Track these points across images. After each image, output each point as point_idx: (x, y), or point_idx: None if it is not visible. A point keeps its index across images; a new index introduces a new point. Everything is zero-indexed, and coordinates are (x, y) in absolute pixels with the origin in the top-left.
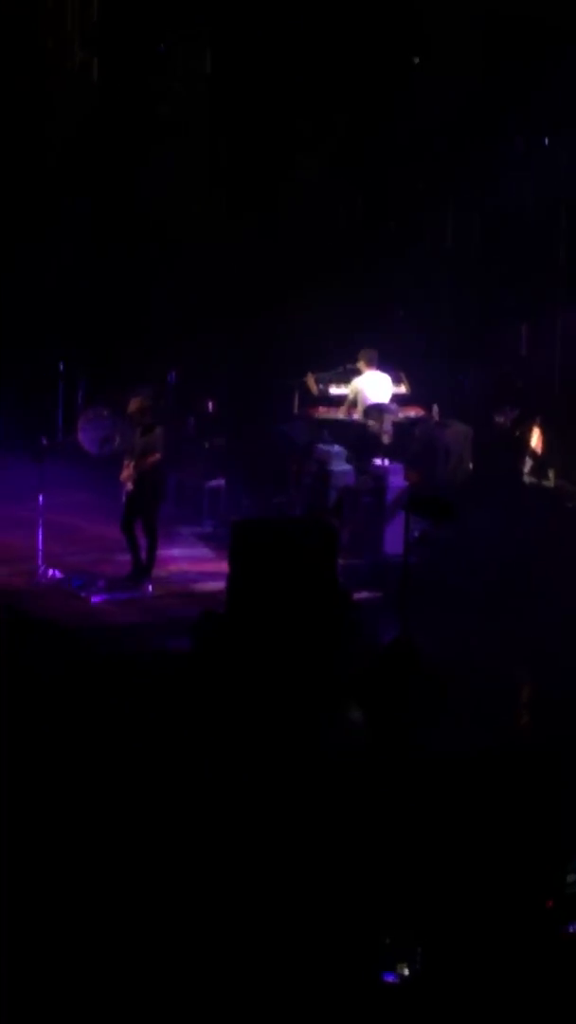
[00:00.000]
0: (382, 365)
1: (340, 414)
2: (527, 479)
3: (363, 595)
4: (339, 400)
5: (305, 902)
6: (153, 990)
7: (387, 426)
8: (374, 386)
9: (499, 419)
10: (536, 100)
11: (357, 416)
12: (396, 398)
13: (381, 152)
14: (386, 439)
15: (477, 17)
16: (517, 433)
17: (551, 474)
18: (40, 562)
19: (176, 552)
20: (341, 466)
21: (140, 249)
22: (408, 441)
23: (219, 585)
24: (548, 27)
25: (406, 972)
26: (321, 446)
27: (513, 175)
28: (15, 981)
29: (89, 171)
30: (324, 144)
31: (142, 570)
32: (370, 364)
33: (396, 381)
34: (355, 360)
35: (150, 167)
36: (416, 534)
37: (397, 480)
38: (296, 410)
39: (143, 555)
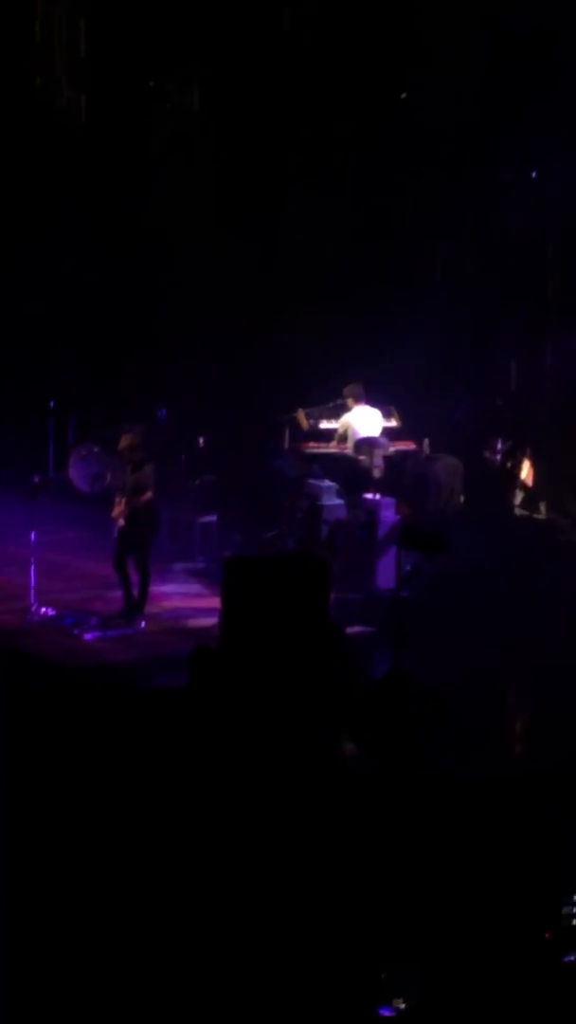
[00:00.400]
0: (372, 399)
1: (331, 448)
2: (518, 512)
3: (356, 629)
4: (329, 435)
5: (301, 935)
6: (152, 1018)
7: (378, 460)
8: (364, 420)
9: (488, 455)
10: (524, 132)
11: (348, 450)
12: (387, 432)
13: (371, 188)
14: (377, 473)
15: (466, 50)
16: (508, 466)
17: (542, 507)
18: (32, 600)
19: (169, 588)
20: (332, 500)
21: (130, 286)
22: (399, 475)
23: (212, 621)
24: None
25: (402, 1006)
26: (312, 481)
27: (502, 208)
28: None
29: (79, 208)
30: (314, 178)
31: (135, 607)
32: (357, 399)
33: (386, 415)
34: (344, 395)
35: (140, 203)
36: (408, 568)
37: (389, 514)
38: (287, 445)
39: (135, 592)
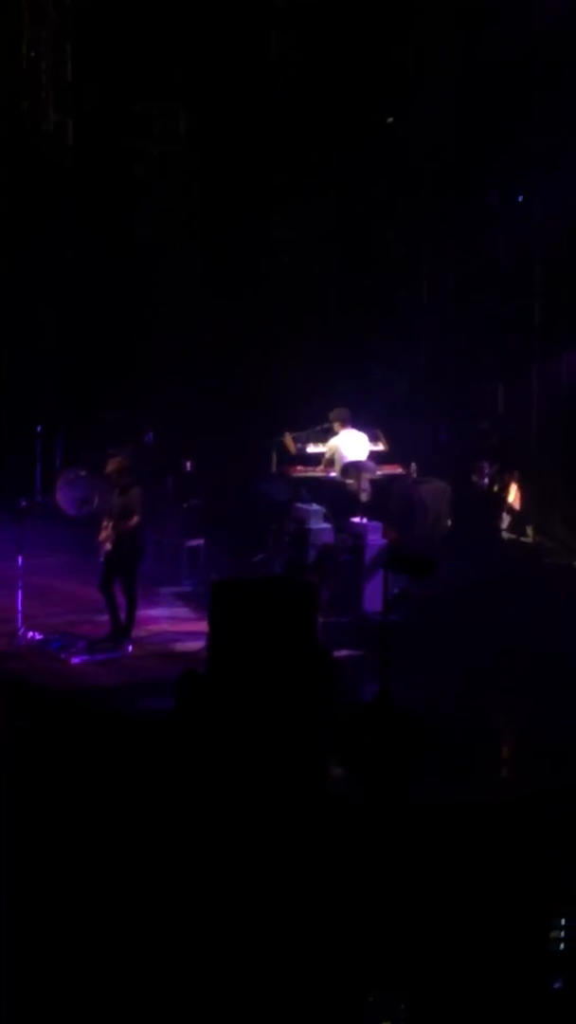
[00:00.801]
0: (359, 423)
1: (318, 472)
2: (505, 535)
3: (344, 653)
4: (317, 459)
5: (290, 960)
6: None
7: (365, 484)
8: (351, 444)
9: (476, 478)
10: (510, 156)
11: (335, 474)
12: (373, 456)
13: (356, 212)
14: (364, 497)
15: (451, 75)
16: (495, 489)
17: (529, 530)
18: (19, 624)
19: (156, 612)
20: (320, 524)
21: (117, 310)
22: (386, 499)
23: (199, 644)
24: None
25: None
26: (299, 505)
27: (488, 232)
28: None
29: (65, 233)
30: (299, 202)
31: (122, 630)
32: (344, 423)
33: (373, 439)
34: (330, 420)
35: (126, 227)
36: (396, 591)
37: (376, 538)
38: (274, 469)
39: (123, 615)
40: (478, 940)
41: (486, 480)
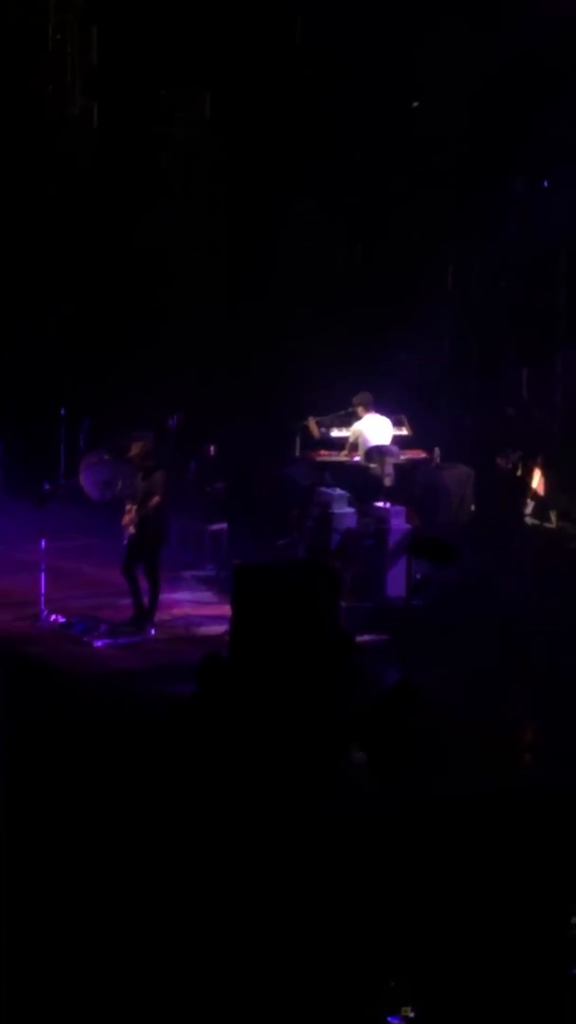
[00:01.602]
0: (383, 408)
1: (342, 457)
2: (529, 521)
3: (366, 638)
4: (340, 443)
5: (309, 945)
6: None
7: (388, 469)
8: (375, 429)
9: (501, 461)
10: (535, 142)
11: (358, 459)
12: (397, 441)
13: (382, 195)
14: (388, 481)
15: (477, 59)
16: (519, 474)
17: (552, 516)
18: (42, 607)
19: (179, 596)
20: (343, 509)
21: (141, 294)
22: (410, 484)
23: (222, 628)
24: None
25: (411, 1015)
26: (323, 489)
27: (513, 218)
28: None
29: (90, 215)
30: (325, 188)
31: (144, 614)
32: (367, 407)
33: (397, 424)
34: (353, 404)
35: (151, 211)
36: (418, 576)
37: (399, 523)
38: (297, 453)
39: (145, 599)
40: (496, 927)
41: (510, 466)
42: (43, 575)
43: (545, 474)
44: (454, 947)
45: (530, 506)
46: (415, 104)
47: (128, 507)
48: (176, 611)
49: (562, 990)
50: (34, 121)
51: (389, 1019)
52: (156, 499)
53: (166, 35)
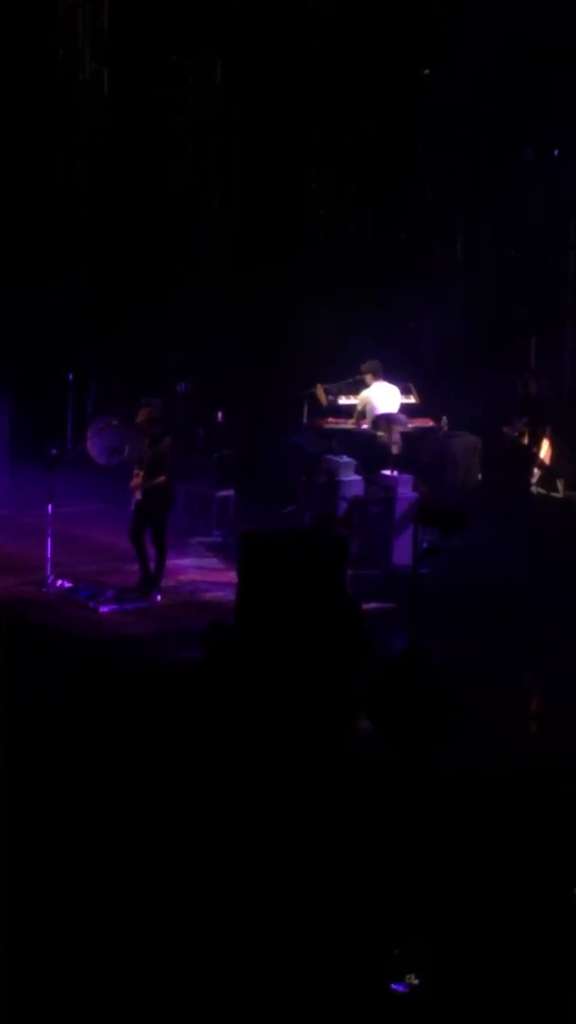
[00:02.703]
0: (392, 376)
1: (349, 425)
2: (536, 490)
3: (373, 606)
4: (348, 411)
5: (315, 913)
6: (161, 999)
7: (396, 437)
8: (383, 397)
9: (507, 430)
10: (547, 112)
11: (366, 427)
12: (405, 409)
13: (392, 165)
14: (395, 450)
15: (488, 28)
16: (525, 443)
17: (560, 485)
18: (49, 572)
19: (185, 562)
20: (350, 476)
21: (150, 261)
22: (417, 452)
23: (228, 595)
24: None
25: (415, 982)
26: (330, 457)
27: (523, 187)
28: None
29: (101, 181)
30: (336, 156)
31: (151, 580)
32: (376, 375)
33: (405, 392)
34: (361, 372)
35: (160, 177)
36: (425, 545)
37: (406, 491)
38: (305, 421)
39: (152, 565)
40: (503, 897)
41: (517, 434)
42: (50, 540)
43: (553, 444)
44: (459, 916)
45: (537, 475)
46: (426, 72)
47: (136, 472)
48: (183, 577)
49: (565, 959)
50: (44, 85)
51: (393, 986)
52: (165, 471)
53: (177, 0)
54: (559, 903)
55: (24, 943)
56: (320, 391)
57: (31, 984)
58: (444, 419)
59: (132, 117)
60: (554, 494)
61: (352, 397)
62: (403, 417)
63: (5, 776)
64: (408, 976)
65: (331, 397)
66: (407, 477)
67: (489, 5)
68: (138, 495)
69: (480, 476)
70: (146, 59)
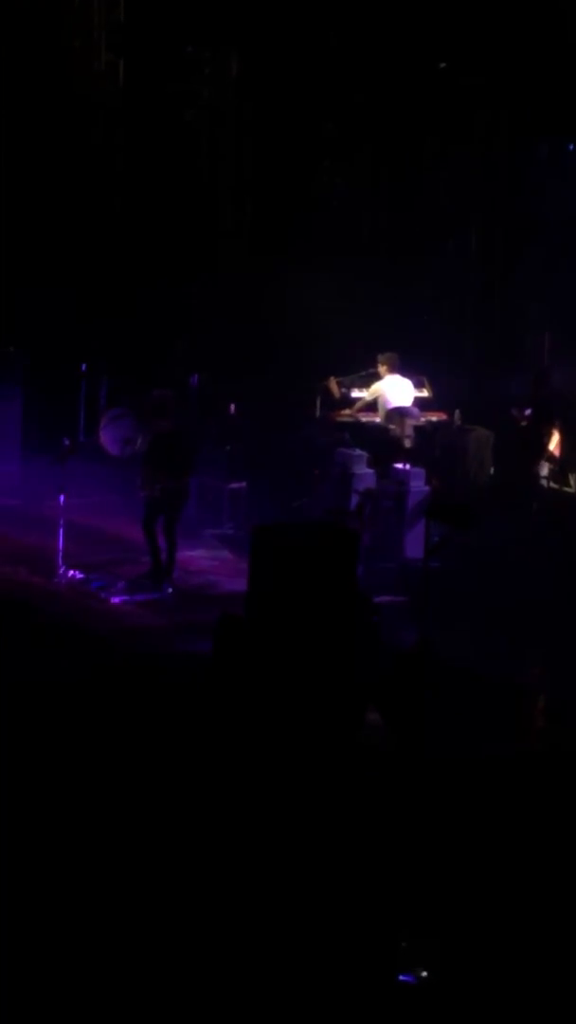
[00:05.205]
0: (405, 370)
1: (353, 411)
2: (548, 484)
3: (384, 599)
4: (364, 406)
5: (322, 905)
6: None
7: (408, 430)
8: (396, 390)
9: (515, 412)
10: (560, 106)
11: (378, 419)
12: (418, 402)
13: (406, 157)
14: (407, 443)
15: (504, 22)
16: (533, 435)
17: (572, 480)
18: (60, 563)
19: (197, 554)
20: (362, 470)
21: (164, 252)
22: (430, 446)
23: (239, 587)
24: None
25: (423, 975)
26: (342, 450)
27: (537, 181)
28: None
29: (115, 173)
30: (350, 150)
31: (163, 572)
32: (392, 368)
33: (418, 385)
34: (376, 364)
35: (175, 169)
36: (437, 539)
37: (419, 484)
38: (318, 414)
39: (163, 556)
40: (510, 886)
41: (523, 419)
42: (61, 531)
43: (564, 437)
44: (469, 906)
45: (546, 468)
46: (442, 65)
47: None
48: (194, 569)
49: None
50: (59, 77)
51: (402, 978)
52: (187, 472)
53: None
54: (568, 895)
55: (25, 943)
56: (333, 384)
57: (31, 984)
58: (457, 413)
59: (147, 109)
60: (567, 488)
61: (365, 390)
62: (416, 411)
63: (11, 769)
64: (416, 969)
65: (344, 390)
66: (419, 471)
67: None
68: (155, 492)
69: (492, 470)
70: (161, 51)
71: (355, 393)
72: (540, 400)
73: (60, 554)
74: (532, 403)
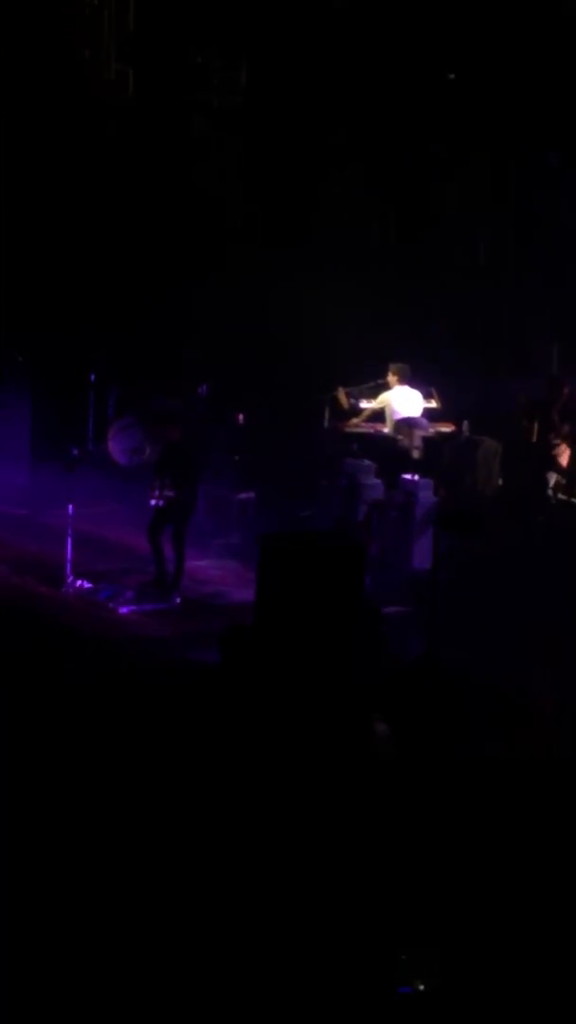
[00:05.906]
0: (414, 380)
1: (359, 420)
2: (557, 496)
3: (391, 610)
4: (370, 415)
5: (323, 915)
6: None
7: (417, 441)
8: (404, 401)
9: (525, 423)
10: (569, 116)
11: (385, 430)
12: (427, 413)
13: (415, 167)
14: (416, 454)
15: (513, 31)
16: (541, 446)
17: None
18: (68, 572)
19: (205, 563)
20: (370, 480)
21: (172, 260)
22: (438, 456)
23: (247, 597)
24: None
25: (422, 987)
26: (351, 460)
27: (546, 192)
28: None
29: (124, 180)
30: (358, 158)
31: (171, 582)
32: (401, 379)
33: (427, 396)
34: (385, 374)
35: (184, 178)
36: (444, 549)
37: (427, 495)
38: (326, 424)
39: (170, 567)
40: (517, 895)
41: (529, 425)
42: (70, 540)
43: (573, 448)
44: (471, 917)
45: (554, 479)
46: (451, 76)
47: (156, 481)
48: (201, 578)
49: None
50: (70, 86)
51: (400, 990)
52: (195, 481)
53: (203, 1)
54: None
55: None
56: (342, 394)
57: (31, 983)
58: (465, 423)
59: (157, 118)
60: (574, 500)
61: (373, 400)
62: (424, 421)
63: (19, 776)
64: (415, 982)
65: (352, 401)
66: (427, 481)
67: (514, 7)
68: (161, 503)
69: (500, 481)
70: (171, 60)
71: (363, 404)
72: (549, 409)
73: (68, 563)
74: (541, 411)
